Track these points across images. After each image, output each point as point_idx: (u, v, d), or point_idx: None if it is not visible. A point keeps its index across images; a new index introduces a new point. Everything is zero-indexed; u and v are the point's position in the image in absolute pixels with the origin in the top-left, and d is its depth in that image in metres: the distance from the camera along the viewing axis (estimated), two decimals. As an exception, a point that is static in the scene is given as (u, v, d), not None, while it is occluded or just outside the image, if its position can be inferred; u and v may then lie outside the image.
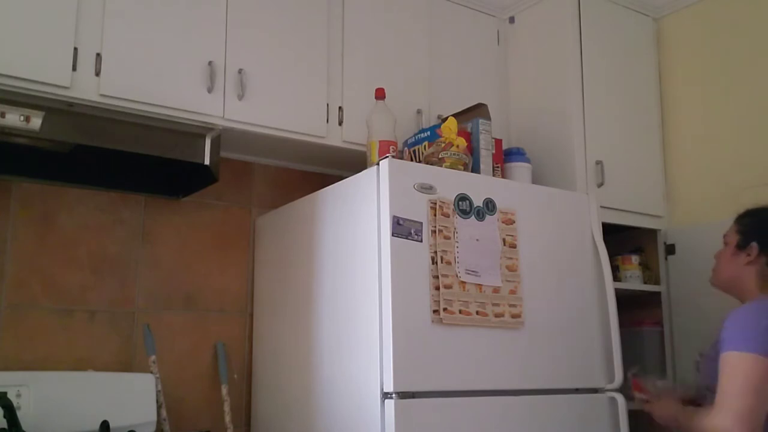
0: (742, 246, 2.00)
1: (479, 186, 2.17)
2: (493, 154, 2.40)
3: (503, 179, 2.41)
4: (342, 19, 2.55)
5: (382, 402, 1.89)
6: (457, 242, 2.06)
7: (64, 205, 2.31)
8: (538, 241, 2.25)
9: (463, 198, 2.11)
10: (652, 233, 2.86)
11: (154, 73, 2.15)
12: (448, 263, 2.02)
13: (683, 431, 1.92)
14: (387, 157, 2.10)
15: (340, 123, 2.48)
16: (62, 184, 2.31)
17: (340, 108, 2.49)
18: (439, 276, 2.00)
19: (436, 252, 2.02)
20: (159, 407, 2.26)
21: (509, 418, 2.06)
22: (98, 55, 2.07)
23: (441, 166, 2.18)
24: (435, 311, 1.98)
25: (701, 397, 2.01)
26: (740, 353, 1.71)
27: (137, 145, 2.11)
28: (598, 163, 2.68)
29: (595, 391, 2.27)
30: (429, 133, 2.37)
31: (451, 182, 2.11)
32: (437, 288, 1.99)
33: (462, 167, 2.21)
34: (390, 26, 2.66)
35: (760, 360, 1.68)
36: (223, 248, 2.58)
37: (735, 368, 1.71)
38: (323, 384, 2.15)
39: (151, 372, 2.29)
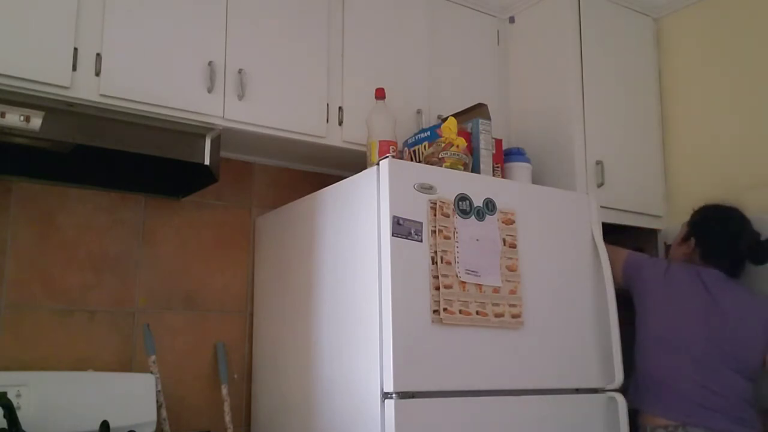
0: (686, 239, 2.53)
1: (479, 186, 2.17)
2: (493, 154, 2.39)
3: (503, 179, 2.41)
4: (342, 19, 2.55)
5: (382, 402, 1.89)
6: (457, 242, 2.06)
7: (64, 205, 2.31)
8: (538, 241, 2.25)
9: (463, 198, 2.11)
10: (652, 233, 2.85)
11: (154, 73, 2.15)
12: (448, 263, 2.02)
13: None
14: (387, 157, 2.10)
15: (340, 123, 2.48)
16: (62, 184, 2.31)
17: (340, 108, 2.48)
18: (439, 276, 2.00)
19: (436, 252, 2.02)
20: (159, 407, 2.26)
21: (509, 418, 2.06)
22: (98, 55, 2.07)
23: (441, 166, 2.18)
24: (435, 311, 1.98)
25: None
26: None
27: (137, 145, 2.11)
28: (598, 163, 2.68)
29: (595, 391, 2.27)
30: (429, 133, 2.37)
31: (451, 182, 2.11)
32: (437, 288, 1.99)
33: (462, 167, 2.21)
34: (390, 26, 2.66)
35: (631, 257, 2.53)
36: (223, 248, 2.58)
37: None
38: (323, 384, 2.15)
39: (151, 372, 2.29)
